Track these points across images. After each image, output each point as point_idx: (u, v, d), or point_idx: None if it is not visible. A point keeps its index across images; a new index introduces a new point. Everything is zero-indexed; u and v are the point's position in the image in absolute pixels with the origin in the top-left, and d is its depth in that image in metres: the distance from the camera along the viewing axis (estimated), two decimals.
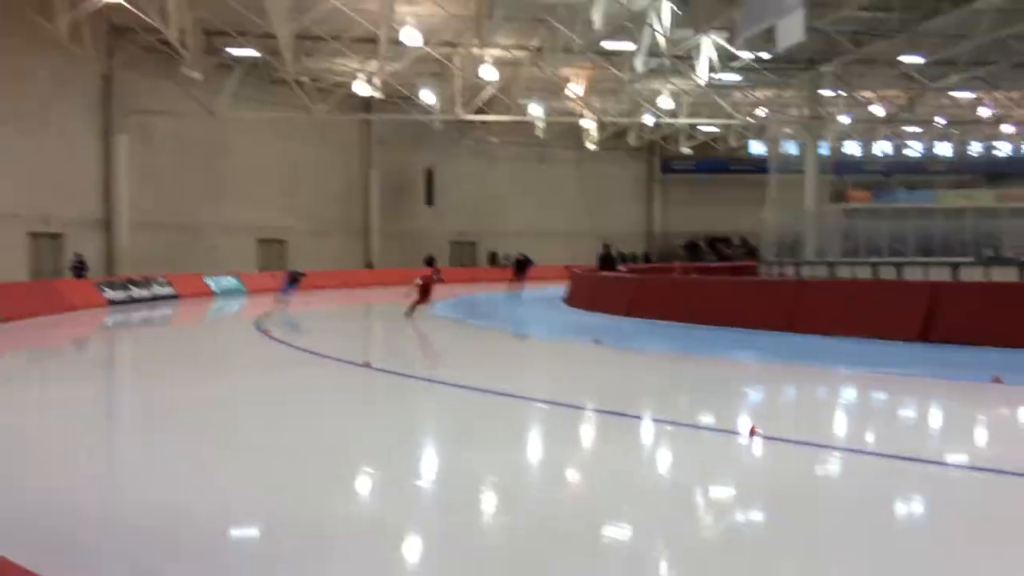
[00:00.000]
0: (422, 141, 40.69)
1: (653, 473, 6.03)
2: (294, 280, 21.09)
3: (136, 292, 25.06)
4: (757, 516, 5.00)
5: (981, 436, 7.43)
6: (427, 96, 32.90)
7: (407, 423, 7.74)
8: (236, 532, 4.71)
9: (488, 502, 5.22)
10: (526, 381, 10.38)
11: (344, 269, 37.57)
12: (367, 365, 10.73)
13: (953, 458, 6.42)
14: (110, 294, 23.73)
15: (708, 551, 4.27)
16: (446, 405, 8.70)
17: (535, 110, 35.83)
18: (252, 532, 4.73)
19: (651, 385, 10.22)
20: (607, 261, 29.26)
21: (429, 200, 40.99)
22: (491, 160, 43.66)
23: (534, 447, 6.89)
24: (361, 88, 30.93)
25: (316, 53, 28.68)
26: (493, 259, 43.18)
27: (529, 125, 38.78)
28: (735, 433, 6.84)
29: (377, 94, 32.26)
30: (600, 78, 33.14)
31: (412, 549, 4.41)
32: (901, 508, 5.13)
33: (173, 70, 27.30)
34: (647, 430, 7.47)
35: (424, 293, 17.80)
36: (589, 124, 39.31)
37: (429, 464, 6.29)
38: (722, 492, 5.49)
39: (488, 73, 29.01)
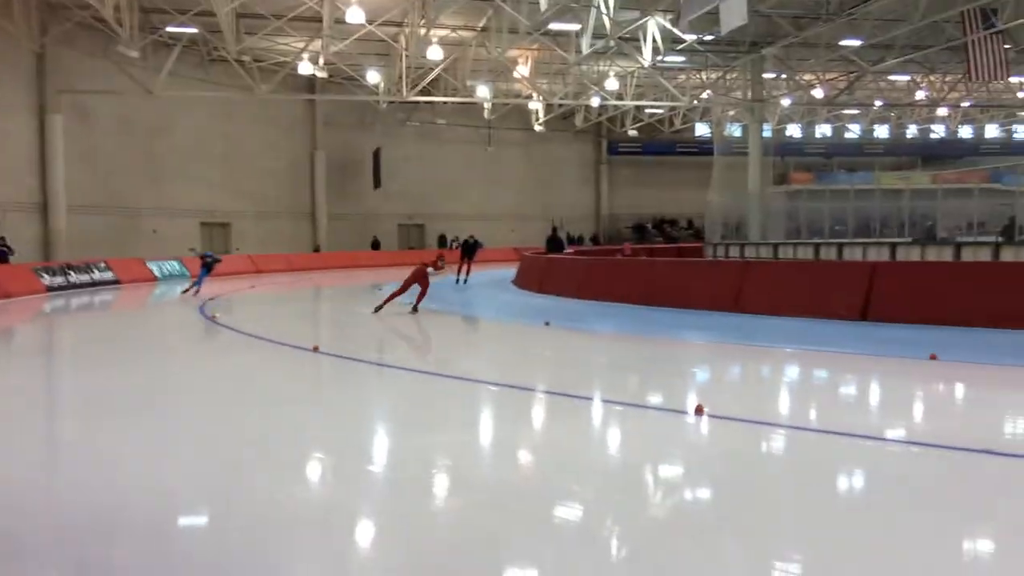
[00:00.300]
0: (369, 122, 40.34)
1: (603, 452, 6.10)
2: (207, 266, 19.99)
3: (75, 278, 24.41)
4: (705, 493, 5.10)
5: (918, 411, 7.68)
6: (373, 77, 32.54)
7: (356, 407, 7.71)
8: (184, 521, 4.66)
9: (440, 483, 5.24)
10: (476, 364, 10.41)
11: (291, 253, 37.12)
12: (315, 349, 10.64)
13: (892, 433, 6.64)
14: (48, 280, 23.07)
15: (658, 528, 4.35)
16: (396, 389, 8.69)
17: (482, 91, 35.72)
18: (200, 520, 4.68)
19: (601, 366, 10.33)
20: (555, 243, 29.39)
21: (377, 182, 40.65)
22: (439, 142, 43.44)
23: (485, 429, 6.93)
24: (305, 68, 30.46)
25: (258, 31, 28.13)
26: (442, 242, 43.07)
27: (477, 107, 38.69)
28: (683, 412, 6.96)
29: (322, 74, 31.83)
30: (546, 59, 33.16)
31: (365, 531, 4.42)
32: (843, 482, 5.29)
33: (110, 48, 26.55)
34: (597, 410, 7.56)
35: (423, 287, 15.57)
36: (536, 106, 39.33)
37: (380, 447, 6.29)
38: (671, 470, 5.59)
39: (434, 54, 28.79)
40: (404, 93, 31.66)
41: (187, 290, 20.02)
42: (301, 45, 30.02)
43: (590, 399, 7.98)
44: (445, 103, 37.03)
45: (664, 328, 13.03)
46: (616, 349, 11.81)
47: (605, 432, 6.85)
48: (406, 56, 30.15)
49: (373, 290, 22.94)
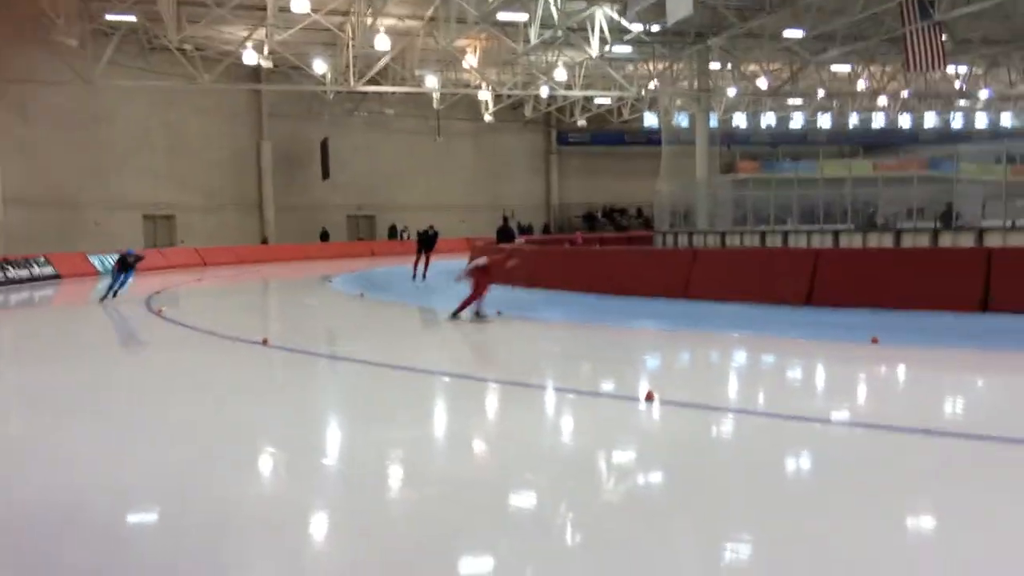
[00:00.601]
0: (316, 112, 39.82)
1: (556, 441, 6.16)
2: (125, 266, 16.91)
3: (13, 273, 23.75)
4: (657, 478, 5.19)
5: (862, 394, 7.89)
6: (319, 66, 32.11)
7: (309, 401, 7.65)
8: (134, 519, 4.59)
9: (395, 477, 5.25)
10: (428, 355, 10.40)
11: (239, 245, 36.56)
12: (265, 343, 10.52)
13: (837, 415, 6.82)
14: None
15: (612, 514, 4.41)
16: (348, 381, 8.64)
17: (430, 81, 35.49)
18: (151, 519, 4.61)
19: (553, 354, 10.40)
20: (506, 233, 29.41)
21: (325, 173, 40.20)
22: (388, 132, 43.09)
23: (438, 420, 6.94)
24: (250, 57, 29.92)
25: (201, 20, 27.54)
26: (392, 233, 42.82)
27: (426, 97, 38.42)
28: (634, 399, 7.05)
29: (267, 63, 31.30)
30: (495, 49, 33.07)
31: (319, 529, 4.40)
32: (791, 465, 5.42)
33: (47, 37, 25.76)
34: (550, 399, 7.62)
35: (481, 281, 12.40)
36: (485, 96, 39.22)
37: (334, 442, 6.26)
38: (623, 456, 5.67)
39: (382, 43, 28.50)
40: (351, 83, 31.32)
41: (104, 297, 17.01)
42: (245, 34, 29.48)
43: (543, 387, 8.04)
44: (393, 93, 36.72)
45: (615, 316, 13.15)
46: (568, 338, 11.89)
47: (558, 421, 6.90)
48: (353, 45, 29.82)
49: (323, 282, 22.75)
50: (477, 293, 12.26)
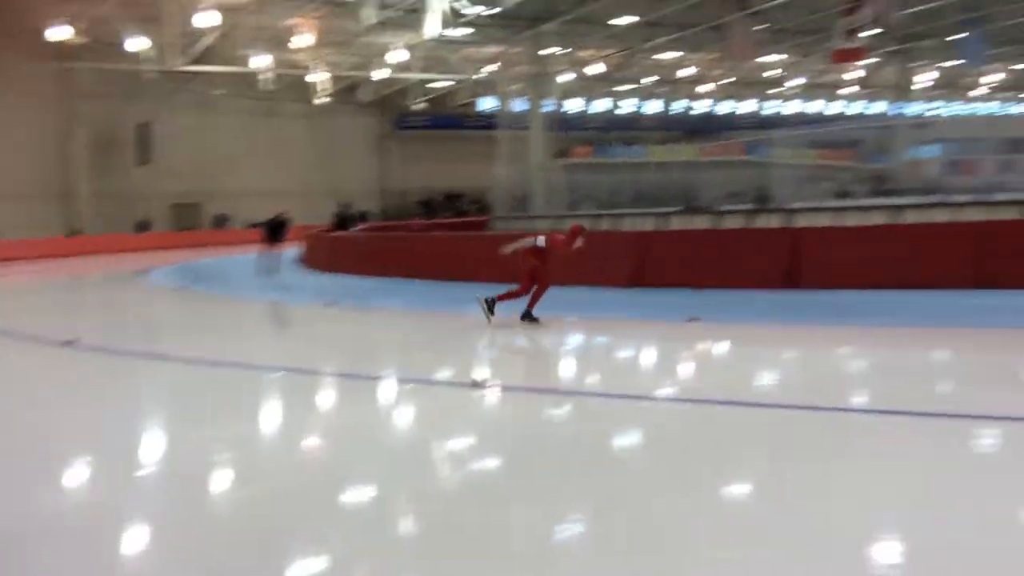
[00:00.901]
0: (136, 93, 37.27)
1: (391, 432, 6.04)
2: None
3: None
4: (492, 463, 5.20)
5: (685, 370, 8.22)
6: (138, 44, 30.09)
7: (125, 404, 7.13)
8: None
9: (218, 480, 4.96)
10: (256, 349, 9.97)
11: (47, 237, 33.80)
12: (72, 343, 9.71)
13: (662, 392, 7.07)
14: None
15: (447, 501, 4.35)
16: (170, 381, 8.13)
17: (259, 61, 34.08)
18: None
19: (387, 343, 10.24)
20: (343, 220, 28.83)
21: (144, 159, 37.71)
22: (214, 114, 41.01)
23: (268, 417, 6.65)
24: (58, 33, 27.63)
25: None
26: (219, 222, 40.89)
27: (256, 78, 36.89)
28: (467, 385, 7.00)
29: (78, 40, 29.00)
30: (329, 29, 32.19)
31: (134, 537, 4.08)
32: (622, 441, 5.54)
33: None
34: (384, 389, 7.47)
35: (535, 277, 9.76)
36: (319, 77, 38.15)
37: (153, 447, 5.84)
38: (458, 443, 5.62)
39: (205, 20, 27.07)
40: (174, 62, 29.59)
41: None
42: (51, 8, 27.20)
43: (377, 378, 7.88)
44: (221, 73, 35.02)
45: (452, 302, 13.08)
46: (403, 325, 11.75)
47: (392, 411, 6.78)
48: (174, 22, 28.15)
49: (139, 275, 21.41)
50: (527, 288, 9.51)
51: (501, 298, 9.80)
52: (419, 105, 43.57)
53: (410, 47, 34.10)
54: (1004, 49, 35.41)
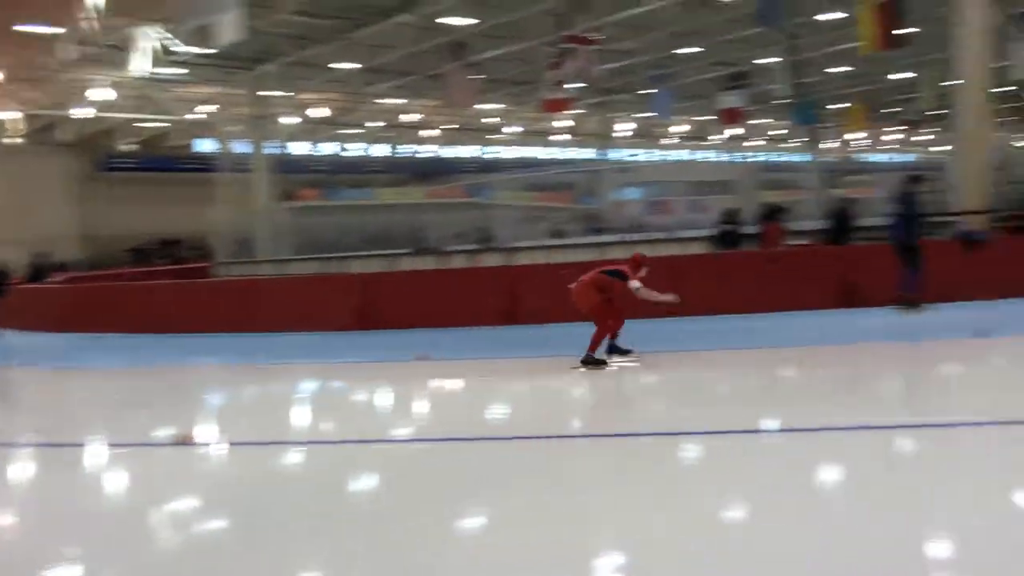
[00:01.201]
0: None
1: (99, 501, 5.57)
2: None
3: None
4: (218, 523, 4.97)
5: (419, 408, 8.38)
6: None
7: None
8: None
9: None
10: None
11: None
12: None
13: (396, 433, 7.16)
14: None
15: (168, 566, 4.10)
16: None
17: None
18: None
19: (95, 407, 9.41)
20: (38, 270, 26.23)
21: None
22: None
23: None
24: None
25: None
26: None
27: None
28: (177, 443, 6.61)
29: None
30: (20, 64, 29.23)
31: None
32: (358, 486, 5.53)
33: None
34: (91, 455, 6.89)
35: (608, 311, 8.91)
36: (9, 116, 34.48)
37: None
38: (178, 505, 5.29)
39: None
40: None
41: None
42: None
43: (83, 444, 7.25)
44: None
45: (170, 355, 12.31)
46: (113, 385, 10.82)
47: (102, 478, 6.29)
48: None
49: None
50: (608, 326, 8.90)
51: (593, 347, 8.80)
52: (129, 146, 40.63)
53: (117, 85, 31.83)
54: (688, 103, 39.94)
